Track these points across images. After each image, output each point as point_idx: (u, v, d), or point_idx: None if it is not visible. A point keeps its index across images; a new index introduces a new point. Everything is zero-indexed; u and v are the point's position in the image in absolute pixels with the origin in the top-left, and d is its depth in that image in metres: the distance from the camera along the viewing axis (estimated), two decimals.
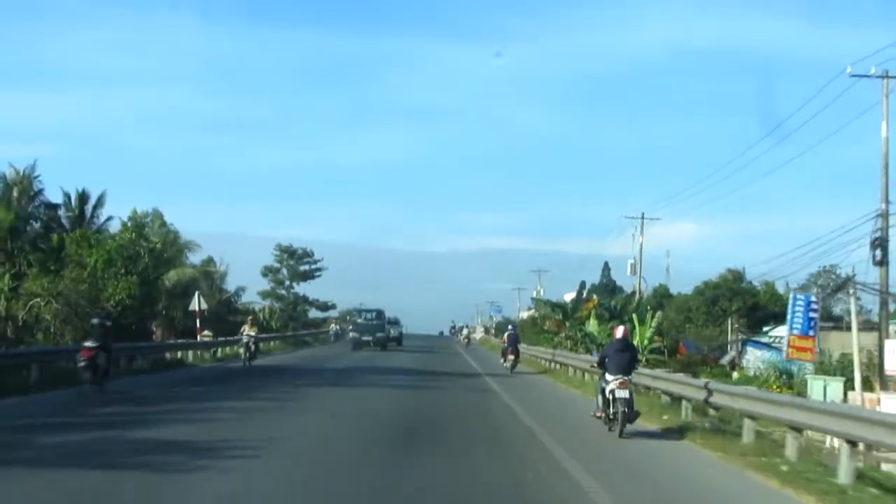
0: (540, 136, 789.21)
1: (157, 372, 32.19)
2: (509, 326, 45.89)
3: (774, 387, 31.01)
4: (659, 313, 38.84)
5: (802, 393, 28.57)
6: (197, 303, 43.22)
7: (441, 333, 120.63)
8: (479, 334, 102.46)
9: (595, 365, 21.96)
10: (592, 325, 40.03)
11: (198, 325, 44.62)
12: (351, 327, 68.04)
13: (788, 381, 33.82)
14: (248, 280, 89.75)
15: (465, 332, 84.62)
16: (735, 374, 38.08)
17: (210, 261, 72.08)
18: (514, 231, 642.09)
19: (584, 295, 75.65)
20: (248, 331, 38.26)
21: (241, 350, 39.23)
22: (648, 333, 36.69)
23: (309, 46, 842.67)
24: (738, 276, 71.19)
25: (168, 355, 37.47)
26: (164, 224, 73.37)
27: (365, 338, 59.78)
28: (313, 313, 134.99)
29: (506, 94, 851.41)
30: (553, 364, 39.40)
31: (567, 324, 44.89)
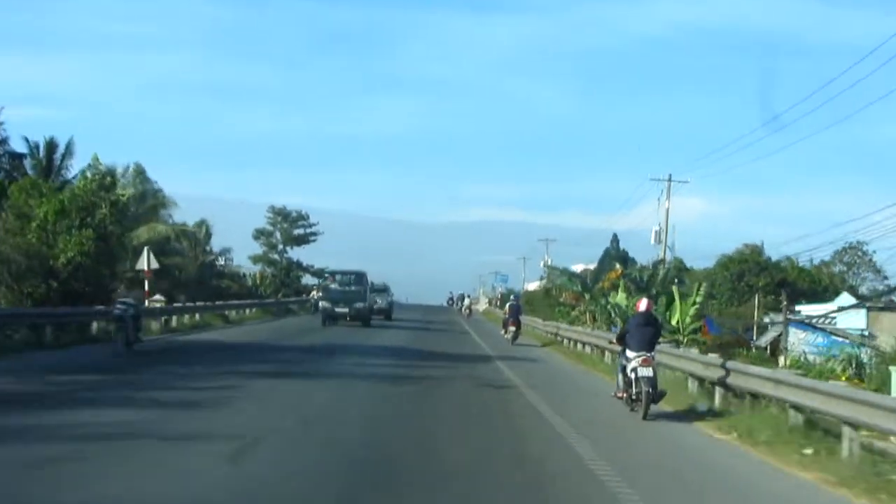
0: (546, 110, 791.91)
1: (49, 349, 24.95)
2: (511, 297, 46.52)
3: (844, 378, 25.60)
4: (704, 286, 33.05)
5: (883, 388, 23.14)
6: (146, 261, 36.84)
7: (450, 302, 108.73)
8: (482, 305, 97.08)
9: (613, 341, 20.81)
10: (620, 297, 34.56)
11: (145, 288, 38.81)
12: (321, 294, 54.72)
13: (858, 371, 28.34)
14: (242, 246, 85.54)
15: (465, 302, 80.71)
16: (782, 360, 32.57)
17: (202, 222, 66.78)
18: (516, 203, 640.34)
19: (605, 264, 69.70)
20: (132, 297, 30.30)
21: (114, 329, 26.92)
22: (692, 311, 31.08)
23: (318, 14, 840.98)
24: (756, 251, 66.45)
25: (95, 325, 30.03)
26: (145, 179, 68.77)
27: (339, 309, 45.45)
28: (309, 280, 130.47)
29: (514, 68, 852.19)
30: (558, 338, 37.68)
31: (587, 296, 39.86)
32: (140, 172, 66.75)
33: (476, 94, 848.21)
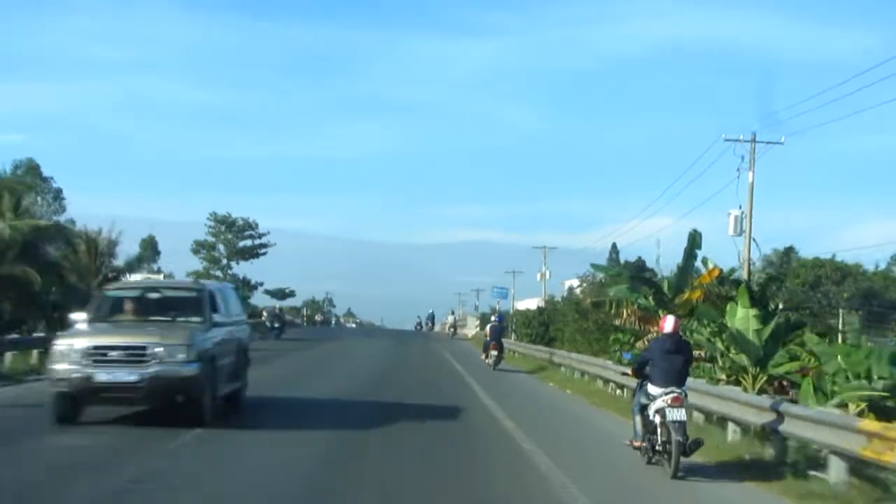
0: (522, 132, 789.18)
1: None
2: (493, 318, 40.21)
3: None
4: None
5: None
6: None
7: (419, 327, 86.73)
8: (470, 330, 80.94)
9: (629, 373, 14.27)
10: (740, 317, 19.10)
11: None
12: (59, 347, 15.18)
13: None
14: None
15: (449, 319, 69.88)
16: None
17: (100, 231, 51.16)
18: (493, 224, 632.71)
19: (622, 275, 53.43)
20: None
21: None
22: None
23: (293, 39, 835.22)
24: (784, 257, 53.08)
25: None
26: (38, 176, 54.63)
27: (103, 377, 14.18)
28: (265, 301, 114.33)
29: (490, 90, 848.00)
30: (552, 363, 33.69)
31: (662, 314, 23.17)
32: (34, 167, 53.85)
33: (452, 115, 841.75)
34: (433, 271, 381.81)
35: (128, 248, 56.60)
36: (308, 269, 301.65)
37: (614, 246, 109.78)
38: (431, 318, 79.79)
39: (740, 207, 32.47)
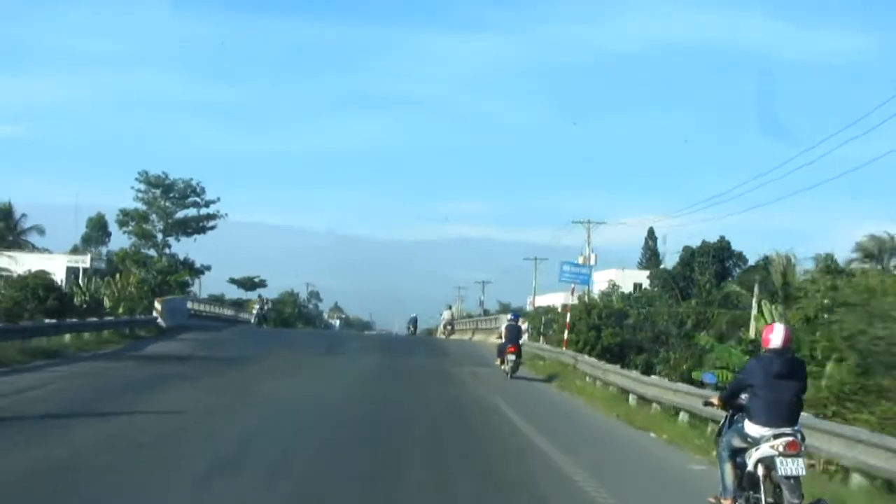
0: (516, 128, 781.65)
1: None
2: (509, 316, 32.74)
3: None
4: None
5: None
6: None
7: (410, 329, 72.57)
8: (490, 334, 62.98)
9: (714, 402, 10.23)
10: None
11: None
12: None
13: None
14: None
15: (446, 315, 57.46)
16: None
17: None
18: (488, 220, 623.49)
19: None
20: None
21: None
22: None
23: (287, 34, 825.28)
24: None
25: None
26: None
27: None
28: (233, 292, 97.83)
29: (484, 85, 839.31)
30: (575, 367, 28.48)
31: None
32: None
33: (446, 111, 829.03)
34: (427, 267, 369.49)
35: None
36: (294, 263, 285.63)
37: (651, 232, 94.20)
38: (414, 322, 68.61)
39: None
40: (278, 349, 31.47)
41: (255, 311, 54.58)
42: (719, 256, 52.37)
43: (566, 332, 38.00)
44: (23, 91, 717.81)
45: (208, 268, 59.26)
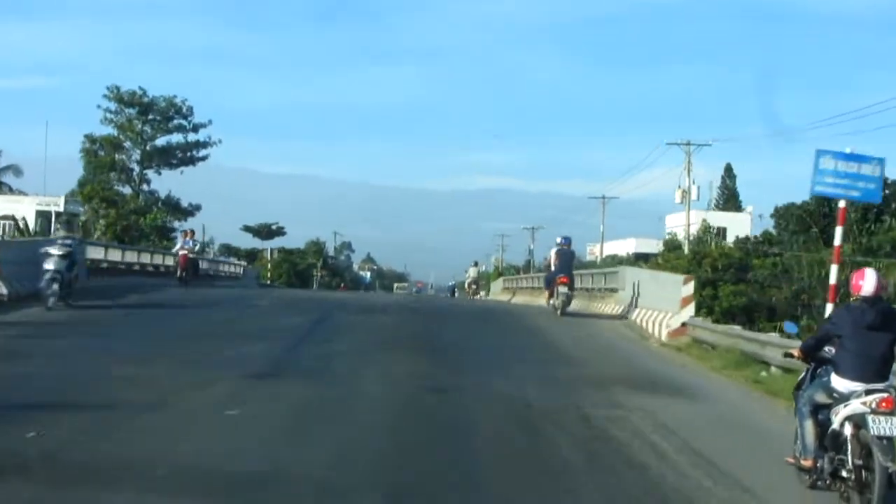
0: (542, 79, 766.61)
1: None
2: (558, 239, 25.19)
3: None
4: None
5: None
6: None
7: (452, 288, 74.86)
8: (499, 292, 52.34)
9: (794, 354, 8.97)
10: None
11: None
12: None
13: None
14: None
15: (471, 273, 53.05)
16: None
17: None
18: (515, 172, 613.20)
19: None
20: None
21: None
22: None
23: None
24: None
25: None
26: None
27: None
28: (247, 241, 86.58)
29: (509, 37, 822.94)
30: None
31: None
32: None
33: (475, 63, 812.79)
34: (457, 218, 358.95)
35: None
36: (323, 214, 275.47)
37: (729, 169, 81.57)
38: (452, 289, 68.45)
39: None
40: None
41: (177, 251, 30.41)
42: None
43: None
44: (41, 42, 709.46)
45: (198, 207, 47.54)
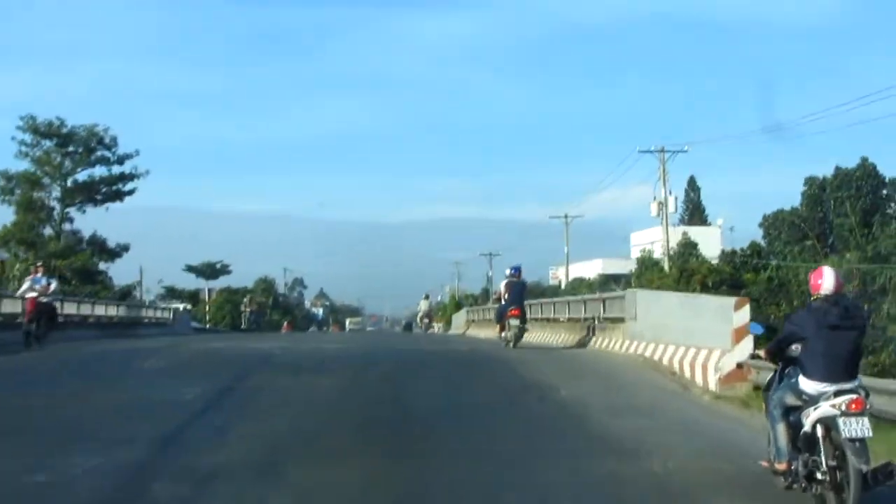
0: (488, 103, 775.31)
1: None
2: (508, 270, 25.34)
3: None
4: None
5: None
6: None
7: (409, 324, 75.23)
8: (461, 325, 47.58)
9: (761, 354, 9.54)
10: None
11: None
12: None
13: None
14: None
15: (422, 306, 51.85)
16: None
17: None
18: (470, 200, 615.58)
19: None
20: None
21: None
22: None
23: (249, 17, 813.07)
24: None
25: None
26: None
27: None
28: (193, 282, 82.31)
29: (452, 61, 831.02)
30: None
31: None
32: None
33: (420, 89, 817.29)
34: (411, 248, 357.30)
35: None
36: (273, 250, 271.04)
37: (692, 181, 79.50)
38: (409, 324, 69.48)
39: None
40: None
41: (22, 293, 23.51)
42: (863, 188, 36.64)
43: None
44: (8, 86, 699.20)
45: (126, 248, 43.35)
